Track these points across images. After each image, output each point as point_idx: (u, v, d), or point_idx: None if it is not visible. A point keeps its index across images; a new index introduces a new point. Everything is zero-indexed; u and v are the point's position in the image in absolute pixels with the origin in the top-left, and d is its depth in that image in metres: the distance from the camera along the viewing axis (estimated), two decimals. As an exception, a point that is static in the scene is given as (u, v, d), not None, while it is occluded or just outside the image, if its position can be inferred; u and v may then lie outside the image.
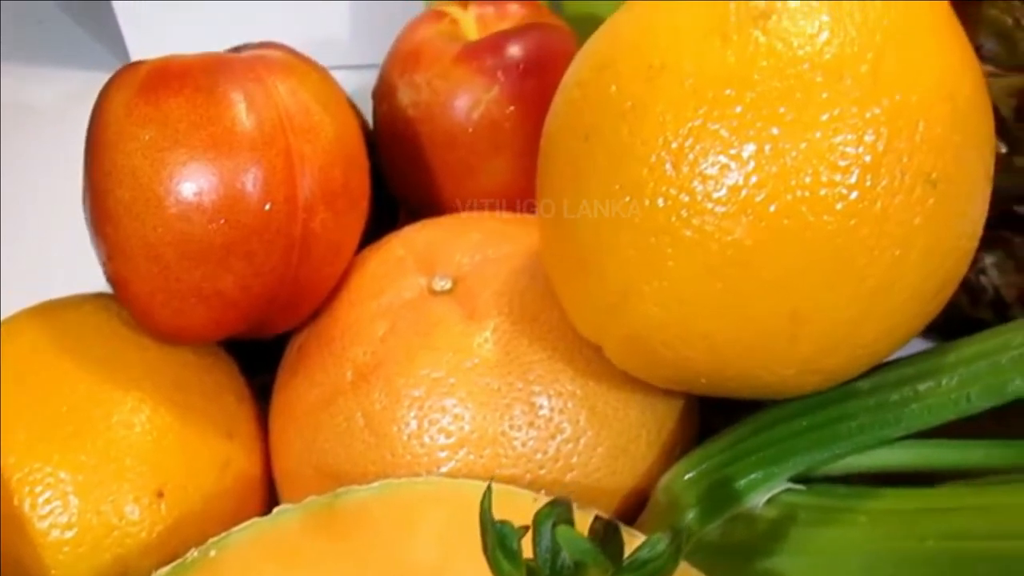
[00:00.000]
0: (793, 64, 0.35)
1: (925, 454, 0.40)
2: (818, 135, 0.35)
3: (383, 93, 0.52)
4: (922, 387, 0.38)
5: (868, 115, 0.35)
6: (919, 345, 0.51)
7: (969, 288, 0.51)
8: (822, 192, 0.35)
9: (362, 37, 0.72)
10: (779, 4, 0.36)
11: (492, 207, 0.50)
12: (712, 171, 0.35)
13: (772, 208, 0.35)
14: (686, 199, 0.35)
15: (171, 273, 0.42)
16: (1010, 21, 0.43)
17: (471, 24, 0.52)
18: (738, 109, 0.35)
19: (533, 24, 0.51)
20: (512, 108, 0.49)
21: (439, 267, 0.45)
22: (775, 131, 0.35)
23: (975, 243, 0.39)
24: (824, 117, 0.35)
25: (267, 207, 0.42)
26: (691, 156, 0.35)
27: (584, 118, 0.38)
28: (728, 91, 0.35)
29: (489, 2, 0.53)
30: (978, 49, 0.44)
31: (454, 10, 0.52)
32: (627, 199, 0.36)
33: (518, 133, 0.49)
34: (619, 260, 0.37)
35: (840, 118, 0.35)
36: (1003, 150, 0.46)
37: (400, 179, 0.52)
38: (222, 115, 0.41)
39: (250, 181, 0.42)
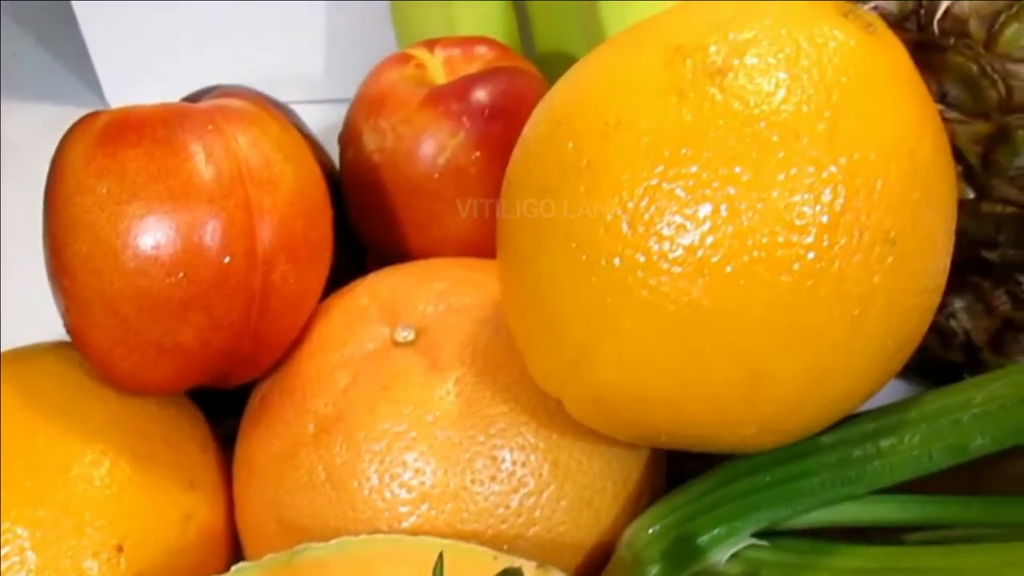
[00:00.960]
0: (749, 123, 0.35)
1: (891, 509, 0.39)
2: (775, 195, 0.34)
3: (348, 138, 0.51)
4: (884, 444, 0.38)
5: (825, 174, 0.34)
6: (890, 385, 0.51)
7: (939, 331, 0.50)
8: (779, 253, 0.34)
9: (336, 71, 0.72)
10: (736, 61, 0.35)
11: (459, 253, 0.50)
12: (668, 231, 0.35)
13: (728, 269, 0.34)
14: (642, 259, 0.35)
15: (130, 327, 0.42)
16: (975, 68, 0.43)
17: (438, 67, 0.52)
18: (694, 168, 0.34)
19: (499, 68, 0.51)
20: (478, 154, 0.48)
21: (402, 317, 0.45)
22: (731, 191, 0.34)
23: (938, 297, 0.38)
24: (781, 177, 0.34)
25: (226, 260, 0.41)
26: (647, 216, 0.35)
27: (542, 174, 0.37)
28: (684, 150, 0.35)
29: (456, 45, 0.52)
30: (943, 96, 0.44)
31: (420, 53, 0.52)
32: (584, 257, 0.36)
33: (484, 179, 0.48)
34: (577, 318, 0.37)
35: (797, 177, 0.34)
36: (971, 195, 0.46)
37: (366, 225, 0.52)
38: (180, 167, 0.41)
39: (209, 234, 0.41)
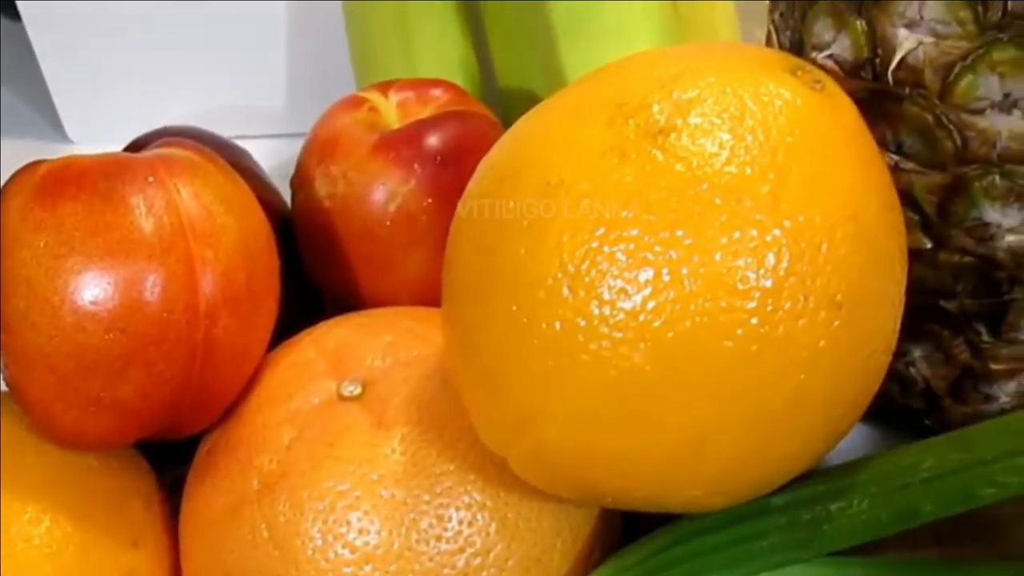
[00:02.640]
0: (692, 185, 0.34)
1: (843, 572, 0.38)
2: (717, 258, 0.34)
3: (300, 183, 0.50)
4: (834, 507, 0.37)
5: (769, 237, 0.34)
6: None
7: (899, 379, 0.50)
8: (722, 318, 0.34)
9: (298, 106, 0.71)
10: (679, 121, 0.35)
11: (412, 300, 0.49)
12: (609, 295, 0.34)
13: (670, 334, 0.34)
14: (583, 323, 0.34)
15: (68, 382, 0.41)
16: (931, 119, 0.42)
17: (391, 111, 0.51)
18: (635, 232, 0.34)
19: (452, 113, 0.50)
20: (430, 200, 0.48)
21: (349, 371, 0.44)
22: (673, 255, 0.34)
23: (888, 357, 0.38)
24: (723, 240, 0.34)
25: (167, 315, 0.40)
26: (588, 279, 0.34)
27: (484, 233, 0.37)
28: (625, 212, 0.34)
29: (411, 87, 0.52)
30: (899, 146, 0.43)
31: (374, 96, 0.51)
32: (525, 320, 0.35)
33: (436, 226, 0.48)
34: (521, 380, 0.36)
35: (740, 241, 0.34)
36: (928, 245, 0.45)
37: (318, 270, 0.51)
38: (119, 221, 0.40)
39: (148, 289, 0.40)
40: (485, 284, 0.36)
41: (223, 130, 0.65)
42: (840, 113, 0.36)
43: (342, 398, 0.44)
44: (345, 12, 0.62)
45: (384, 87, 0.52)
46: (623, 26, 0.52)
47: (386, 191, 0.48)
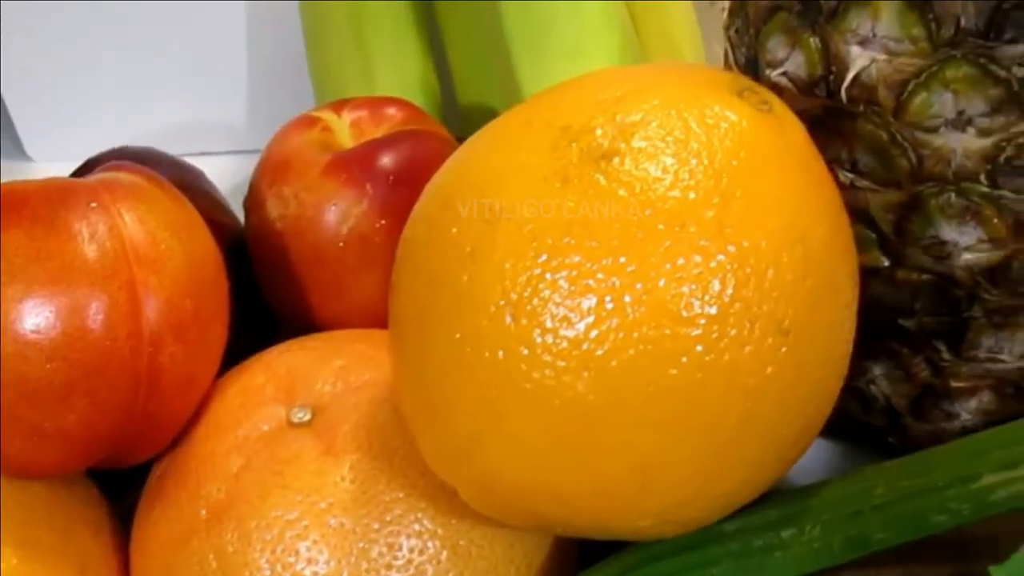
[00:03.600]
0: (635, 210, 0.33)
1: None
2: (661, 284, 0.33)
3: (252, 204, 0.50)
4: (786, 534, 0.37)
5: (713, 263, 0.33)
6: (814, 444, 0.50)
7: (860, 396, 0.49)
8: (666, 346, 0.33)
9: (261, 122, 0.70)
10: (623, 145, 0.34)
11: (366, 323, 0.48)
12: (551, 324, 0.33)
13: (614, 363, 0.33)
14: (526, 352, 0.34)
15: (11, 412, 0.40)
16: (885, 137, 0.42)
17: (345, 131, 0.50)
18: (577, 258, 0.33)
19: (406, 132, 0.49)
20: (383, 222, 0.47)
21: (299, 396, 0.44)
22: (616, 282, 0.33)
23: (839, 382, 0.37)
24: (667, 266, 0.33)
25: (110, 343, 0.40)
26: (530, 307, 0.33)
27: (427, 259, 0.36)
28: (567, 239, 0.33)
29: (365, 106, 0.51)
30: (855, 165, 0.42)
31: (327, 116, 0.51)
32: (468, 349, 0.34)
33: (389, 247, 0.46)
34: (464, 409, 0.35)
35: (684, 267, 0.33)
36: (885, 263, 0.45)
37: (272, 293, 0.51)
38: (61, 248, 0.40)
39: (91, 317, 0.40)
40: (428, 312, 0.36)
41: (186, 147, 0.65)
42: (788, 134, 0.36)
43: (292, 425, 0.43)
44: (304, 29, 0.62)
45: (338, 106, 0.52)
46: (580, 44, 0.52)
47: (338, 212, 0.48)
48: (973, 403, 0.48)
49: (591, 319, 0.33)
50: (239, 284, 0.52)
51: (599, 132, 0.35)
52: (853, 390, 0.50)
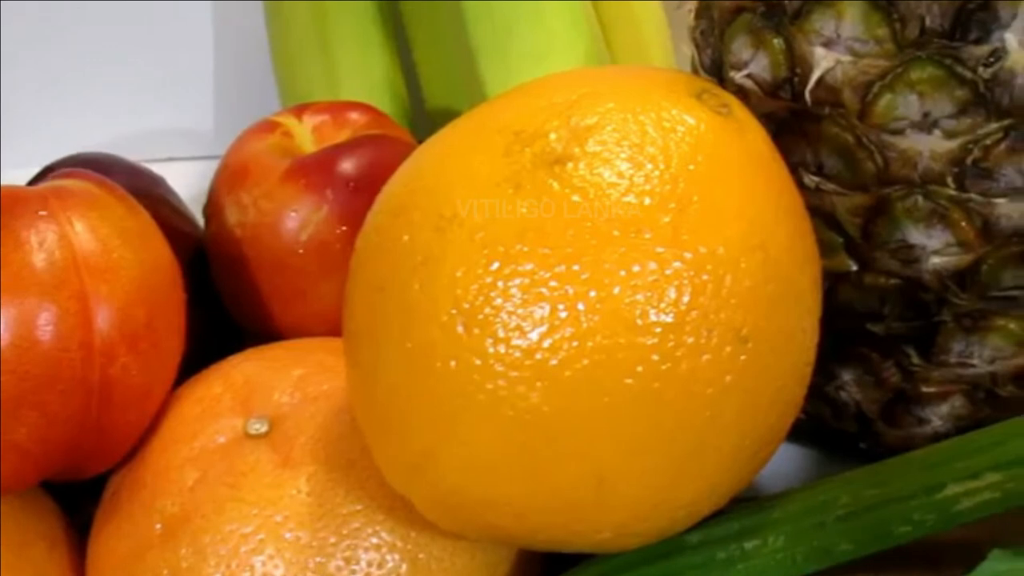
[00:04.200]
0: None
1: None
2: (616, 292, 0.32)
3: (211, 211, 0.49)
4: (748, 545, 0.36)
5: (669, 271, 0.32)
6: (786, 450, 0.49)
7: (831, 402, 0.48)
8: (621, 355, 0.32)
9: (228, 127, 0.69)
10: (577, 150, 0.33)
11: (327, 331, 0.47)
12: (504, 333, 0.33)
13: (567, 373, 0.32)
14: (479, 362, 0.33)
15: (-42, 426, 0.39)
16: (851, 139, 0.41)
17: (306, 136, 0.49)
18: (530, 266, 0.32)
19: (367, 137, 0.48)
20: (343, 228, 0.46)
21: (256, 407, 0.43)
22: (569, 290, 0.32)
23: (803, 390, 0.36)
24: (621, 274, 0.32)
25: (60, 354, 0.39)
26: (482, 316, 0.33)
27: (379, 268, 0.35)
28: (520, 246, 0.33)
29: (326, 111, 0.50)
30: (820, 168, 0.42)
31: (288, 121, 0.50)
32: (421, 359, 0.34)
33: (350, 254, 0.46)
34: (417, 421, 0.35)
35: (639, 275, 0.32)
36: (853, 268, 0.44)
37: (232, 301, 0.50)
38: (9, 257, 0.39)
39: (40, 327, 0.39)
40: (380, 321, 0.35)
41: (153, 153, 0.65)
42: (748, 138, 0.35)
43: (248, 436, 0.42)
44: (269, 34, 0.61)
45: (299, 111, 0.51)
46: (545, 47, 0.51)
47: (298, 219, 0.47)
48: (945, 408, 0.47)
49: (544, 328, 0.32)
50: (201, 292, 0.52)
51: (553, 136, 0.34)
52: (824, 396, 0.49)
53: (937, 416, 0.47)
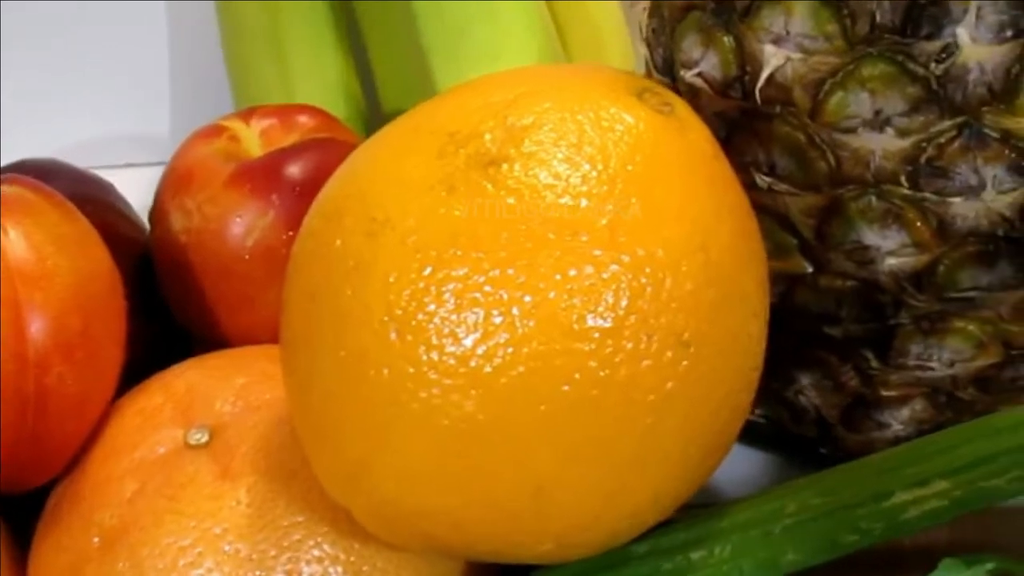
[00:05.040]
0: (524, 219, 0.32)
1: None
2: (551, 297, 0.31)
3: (156, 217, 0.48)
4: (695, 556, 0.35)
5: (606, 274, 0.31)
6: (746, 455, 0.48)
7: (790, 407, 0.48)
8: (558, 362, 0.31)
9: (184, 133, 0.68)
10: (512, 150, 0.32)
11: (274, 338, 0.46)
12: (437, 340, 0.32)
13: (503, 380, 0.31)
14: (412, 370, 0.32)
15: None
16: (803, 138, 0.40)
17: (253, 140, 0.48)
18: (463, 271, 0.31)
19: (314, 141, 0.47)
20: (290, 233, 0.45)
21: (197, 417, 0.42)
22: (503, 295, 0.31)
23: (750, 395, 0.35)
24: (557, 278, 0.31)
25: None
26: (415, 323, 0.32)
27: (312, 274, 0.34)
28: (453, 250, 0.32)
29: (274, 114, 0.49)
30: (772, 168, 0.41)
31: (235, 125, 0.49)
32: (354, 367, 0.33)
33: (297, 260, 0.45)
34: (351, 431, 0.34)
35: (575, 279, 0.31)
36: (809, 270, 0.43)
37: (178, 309, 0.49)
38: (-61, 265, 0.37)
39: (-30, 337, 0.37)
40: (313, 329, 0.34)
41: (110, 159, 0.64)
42: (689, 137, 0.34)
43: (189, 447, 0.41)
44: (221, 37, 0.60)
45: (246, 114, 0.50)
46: (497, 47, 0.50)
47: (243, 224, 0.46)
48: (905, 412, 0.46)
49: (478, 334, 0.31)
50: (150, 300, 0.51)
51: (488, 137, 0.33)
52: (783, 400, 0.48)
53: (897, 420, 0.47)
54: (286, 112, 0.50)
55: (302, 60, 0.57)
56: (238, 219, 0.46)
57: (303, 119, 0.50)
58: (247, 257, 0.46)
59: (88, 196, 0.49)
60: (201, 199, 0.47)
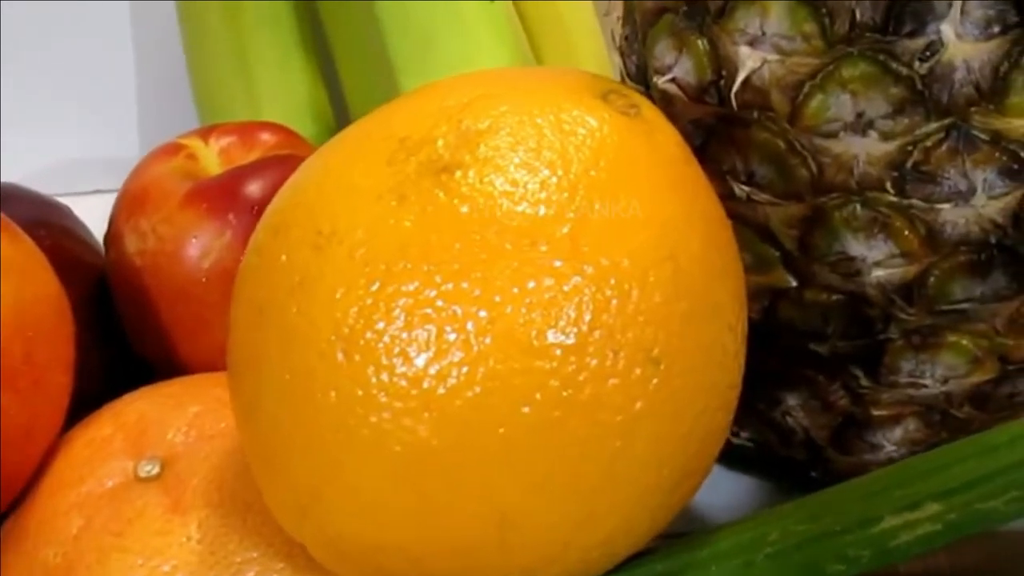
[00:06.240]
0: (478, 229, 0.30)
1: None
2: (508, 312, 0.29)
3: (111, 240, 0.46)
4: (673, 588, 0.32)
5: (567, 287, 0.29)
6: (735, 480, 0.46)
7: (777, 428, 0.45)
8: (517, 381, 0.29)
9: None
10: (467, 156, 0.30)
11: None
12: (387, 360, 0.29)
13: (458, 402, 0.29)
14: (360, 393, 0.30)
15: None
16: (782, 145, 0.38)
17: (212, 158, 0.47)
18: (413, 285, 0.29)
19: (273, 158, 0.45)
20: (248, 254, 0.43)
21: (148, 447, 0.40)
22: (457, 310, 0.29)
23: (727, 415, 0.33)
24: (515, 291, 0.29)
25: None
26: (363, 342, 0.30)
27: (257, 291, 0.32)
28: (403, 264, 0.29)
29: (235, 132, 0.47)
30: (751, 176, 0.39)
31: (193, 143, 0.47)
32: (300, 391, 0.30)
33: (257, 281, 0.43)
34: (300, 459, 0.31)
35: (534, 292, 0.29)
36: (793, 284, 0.41)
37: (134, 334, 0.47)
38: None
39: (-96, 365, 0.35)
40: (259, 349, 0.32)
41: (80, 184, 0.63)
42: (658, 141, 0.32)
43: (139, 479, 0.39)
44: (187, 59, 0.58)
45: (205, 132, 0.48)
46: (466, 58, 0.48)
47: (199, 246, 0.44)
48: (898, 432, 0.44)
49: (430, 353, 0.29)
50: (107, 327, 0.49)
51: (440, 143, 0.31)
52: (769, 422, 0.46)
53: (890, 441, 0.45)
54: (247, 129, 0.48)
55: (269, 80, 0.56)
56: (194, 240, 0.44)
57: (265, 136, 0.48)
58: (204, 280, 0.44)
59: (42, 220, 0.48)
60: (156, 220, 0.45)
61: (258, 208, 0.44)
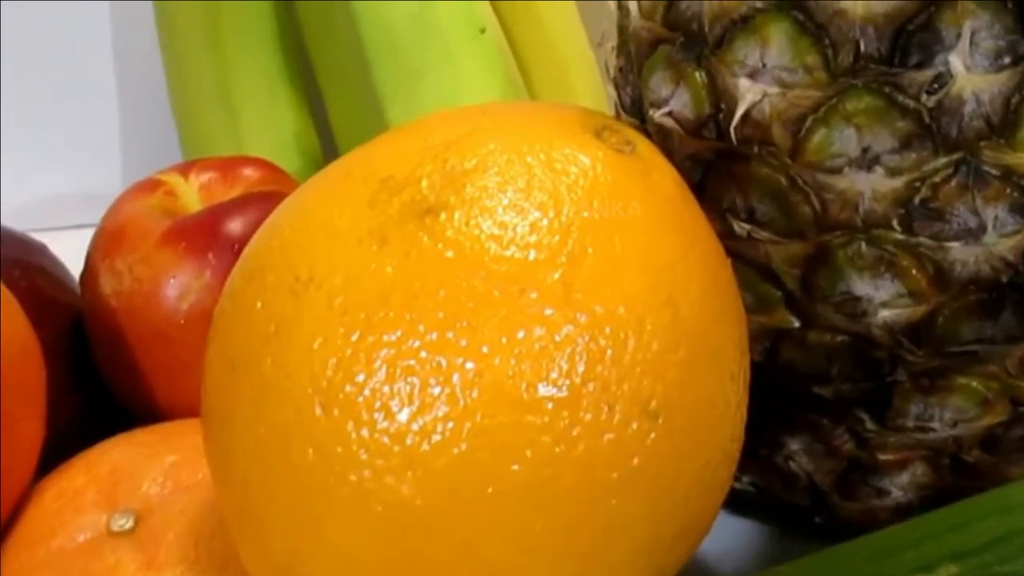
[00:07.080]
0: (464, 275, 0.28)
1: None
2: (497, 363, 0.28)
3: (86, 280, 0.44)
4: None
5: (559, 336, 0.28)
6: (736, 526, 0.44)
7: (779, 473, 0.44)
8: (505, 437, 0.27)
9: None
10: (452, 198, 0.29)
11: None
12: (368, 415, 0.28)
13: (443, 460, 0.27)
14: (340, 450, 0.28)
15: None
16: (784, 181, 0.36)
17: (192, 195, 0.45)
18: (396, 335, 0.28)
19: (256, 195, 0.44)
20: (229, 295, 0.41)
21: (122, 500, 0.38)
22: (442, 362, 0.27)
23: (729, 469, 0.32)
24: (503, 341, 0.28)
25: None
26: (342, 395, 0.28)
27: (232, 340, 0.30)
28: (384, 312, 0.28)
29: (215, 167, 0.45)
30: (752, 214, 0.37)
31: (172, 179, 0.45)
32: (276, 447, 0.29)
33: (237, 324, 0.41)
34: (278, 519, 0.30)
35: (524, 342, 0.28)
36: (795, 324, 0.39)
37: (111, 377, 0.45)
38: None
39: None
40: (232, 401, 0.30)
41: (62, 218, 0.61)
42: (654, 179, 0.30)
43: (111, 534, 0.38)
44: (170, 95, 0.57)
45: (185, 168, 0.46)
46: (455, 92, 0.47)
47: (178, 286, 0.42)
48: (905, 477, 0.43)
49: (414, 407, 0.28)
50: (83, 370, 0.47)
51: (425, 183, 0.29)
52: (772, 467, 0.45)
53: (897, 486, 0.43)
54: (229, 165, 0.46)
55: (254, 113, 0.54)
56: (172, 280, 0.42)
57: (247, 171, 0.46)
58: (182, 321, 0.43)
59: (17, 259, 0.46)
60: (132, 260, 0.43)
61: (239, 247, 0.42)
